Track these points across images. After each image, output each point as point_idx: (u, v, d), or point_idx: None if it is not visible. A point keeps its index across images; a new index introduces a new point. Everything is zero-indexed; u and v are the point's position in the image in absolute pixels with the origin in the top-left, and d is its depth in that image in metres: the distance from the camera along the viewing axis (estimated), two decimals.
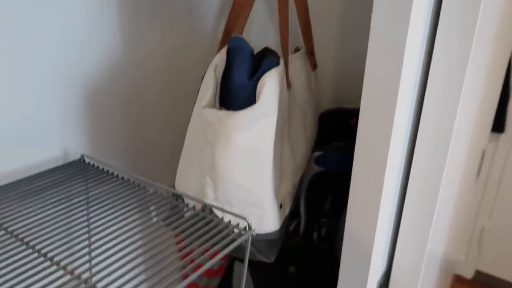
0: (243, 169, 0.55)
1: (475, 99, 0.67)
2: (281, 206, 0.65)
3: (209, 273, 1.01)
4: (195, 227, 0.53)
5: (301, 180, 0.79)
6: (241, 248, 0.64)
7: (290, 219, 0.86)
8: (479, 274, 1.80)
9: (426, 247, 0.59)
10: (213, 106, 0.57)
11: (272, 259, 0.66)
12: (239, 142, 0.53)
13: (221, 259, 1.01)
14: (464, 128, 0.63)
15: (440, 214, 0.63)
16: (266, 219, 0.61)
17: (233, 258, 1.02)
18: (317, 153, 0.75)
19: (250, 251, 0.64)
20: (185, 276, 0.45)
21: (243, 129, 0.53)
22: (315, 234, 0.87)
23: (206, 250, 0.66)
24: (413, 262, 0.61)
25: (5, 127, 0.61)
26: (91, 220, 0.54)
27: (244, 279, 0.58)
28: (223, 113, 0.53)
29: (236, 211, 0.59)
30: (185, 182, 0.63)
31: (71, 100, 0.69)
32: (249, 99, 0.55)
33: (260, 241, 0.62)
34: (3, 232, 0.51)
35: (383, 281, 0.61)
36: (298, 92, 0.68)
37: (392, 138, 0.47)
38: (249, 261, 0.93)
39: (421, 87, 0.54)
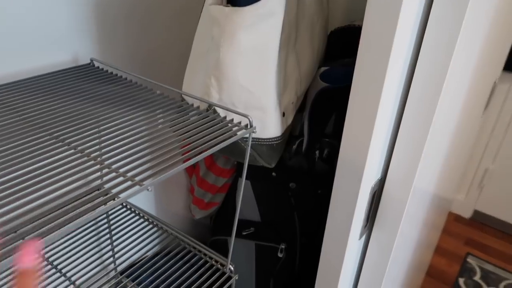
0: (246, 69, 0.56)
1: (486, 28, 0.66)
2: (284, 115, 0.67)
3: (213, 189, 1.06)
4: (198, 125, 0.55)
5: (305, 98, 0.80)
6: (243, 152, 0.66)
7: (293, 139, 0.88)
8: (477, 214, 1.85)
9: (419, 161, 0.61)
10: (221, 3, 0.56)
11: (273, 164, 0.69)
12: (243, 40, 0.54)
13: (225, 176, 1.05)
14: (471, 53, 0.62)
15: (438, 133, 0.65)
16: (268, 124, 0.63)
17: (237, 176, 1.06)
18: (323, 69, 0.75)
19: (252, 155, 0.66)
20: (185, 161, 0.47)
21: (248, 27, 0.53)
22: (317, 153, 0.90)
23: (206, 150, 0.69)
24: (406, 173, 0.63)
25: (16, 30, 0.62)
26: (101, 112, 0.56)
27: (244, 180, 0.61)
28: (229, 9, 0.53)
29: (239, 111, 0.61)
30: (192, 84, 0.64)
31: (81, 4, 0.69)
32: None
33: (262, 145, 0.65)
34: (17, 118, 0.53)
35: (378, 188, 0.64)
36: (308, 1, 0.67)
37: (394, 43, 0.47)
38: (251, 176, 0.97)
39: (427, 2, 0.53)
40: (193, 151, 0.49)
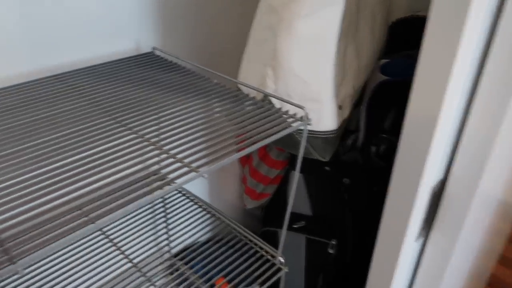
0: (303, 59, 0.55)
1: None
2: (340, 108, 0.65)
3: (265, 180, 1.06)
4: (253, 115, 0.55)
5: (363, 90, 0.78)
6: (297, 144, 0.66)
7: (348, 133, 0.86)
8: None
9: (486, 161, 0.57)
10: None
11: (327, 158, 0.68)
12: (301, 29, 0.53)
13: (278, 168, 1.05)
14: None
15: (509, 131, 0.60)
16: (324, 116, 0.61)
17: (289, 169, 1.06)
18: (384, 61, 0.72)
19: (306, 148, 0.66)
20: (239, 150, 0.48)
21: (306, 15, 0.52)
22: (373, 148, 0.87)
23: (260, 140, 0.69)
24: (471, 174, 0.59)
25: (84, 19, 0.66)
26: (160, 99, 0.58)
27: (298, 173, 0.60)
28: None
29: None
30: (248, 74, 0.64)
31: None
32: None
33: (316, 138, 0.64)
34: (85, 102, 0.57)
35: (438, 189, 0.61)
36: None
37: (463, 34, 0.44)
38: (304, 169, 0.96)
39: None
40: (247, 141, 0.50)
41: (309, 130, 0.63)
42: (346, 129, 0.83)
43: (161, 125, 0.52)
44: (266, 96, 0.59)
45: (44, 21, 0.61)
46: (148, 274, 0.71)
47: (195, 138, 0.50)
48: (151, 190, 0.42)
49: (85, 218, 0.37)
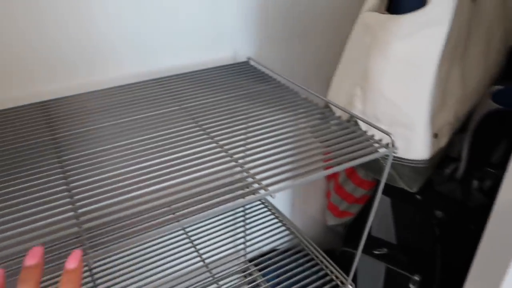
0: (396, 81, 0.51)
1: None
2: (436, 136, 0.59)
3: (350, 198, 1.02)
4: (338, 135, 0.53)
5: (469, 117, 0.69)
6: (381, 169, 0.61)
7: (448, 160, 0.78)
8: None
9: None
10: (377, 10, 0.53)
11: (414, 189, 0.62)
12: (397, 50, 0.49)
13: (364, 188, 1.00)
14: None
15: None
16: (414, 144, 0.56)
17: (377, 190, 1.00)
18: (497, 87, 0.64)
19: (392, 175, 0.61)
20: (325, 168, 0.46)
21: (404, 36, 0.48)
22: (476, 182, 0.77)
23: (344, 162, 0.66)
24: None
25: (186, 28, 0.70)
26: (248, 109, 0.59)
27: (378, 197, 0.57)
28: (385, 16, 0.49)
29: (383, 128, 0.56)
30: (338, 92, 0.62)
31: (244, 7, 0.73)
32: (419, 2, 0.49)
33: (404, 166, 0.59)
34: (176, 106, 0.60)
35: None
36: (487, 5, 0.57)
37: None
38: (392, 193, 0.89)
39: None
40: (330, 161, 0.48)
41: (397, 157, 0.58)
42: (446, 155, 0.75)
43: (242, 137, 0.53)
44: (352, 116, 0.56)
45: (149, 29, 0.67)
46: (217, 276, 0.73)
47: (273, 154, 0.49)
48: (233, 198, 0.42)
49: (172, 216, 0.39)
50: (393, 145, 0.50)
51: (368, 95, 0.54)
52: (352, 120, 0.56)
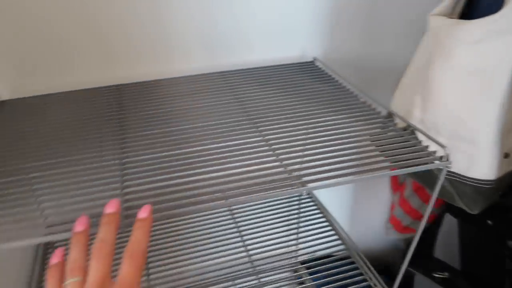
0: (461, 93, 0.47)
1: None
2: (507, 156, 0.53)
3: (415, 214, 0.96)
4: (393, 141, 0.51)
5: None
6: (442, 188, 0.57)
7: None
8: None
9: None
10: (447, 14, 0.49)
11: (475, 211, 0.57)
12: (463, 58, 0.45)
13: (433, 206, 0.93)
14: None
15: None
16: (478, 162, 0.52)
17: (445, 210, 0.92)
18: None
19: (451, 193, 0.56)
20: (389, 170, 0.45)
21: (472, 43, 0.44)
22: None
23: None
24: None
25: (255, 23, 0.72)
26: (301, 107, 0.59)
27: (428, 212, 0.53)
28: (453, 21, 0.46)
29: (442, 141, 0.52)
30: (399, 99, 0.59)
31: (319, 8, 0.73)
32: (495, 6, 0.45)
33: (465, 184, 0.54)
34: (233, 99, 0.63)
35: None
36: None
37: None
38: (461, 215, 0.82)
39: None
40: (379, 164, 0.46)
41: (457, 174, 0.54)
42: None
43: (289, 133, 0.53)
44: (409, 125, 0.53)
45: (221, 24, 0.70)
46: (258, 269, 0.74)
47: (316, 153, 0.49)
48: (275, 187, 0.43)
49: (225, 201, 0.42)
50: (447, 159, 0.46)
51: (428, 105, 0.51)
52: (409, 129, 0.53)
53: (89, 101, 0.64)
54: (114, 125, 0.56)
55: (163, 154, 0.49)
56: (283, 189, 0.43)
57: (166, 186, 0.44)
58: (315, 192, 0.90)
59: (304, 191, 0.91)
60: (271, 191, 0.43)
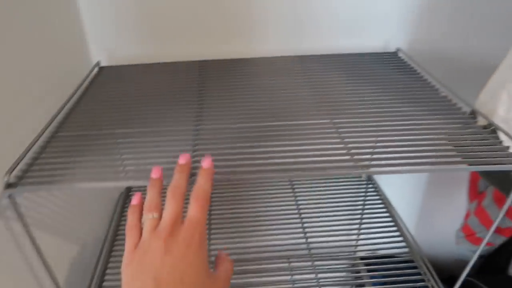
0: None
1: None
2: None
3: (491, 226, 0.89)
4: (471, 138, 0.48)
5: None
6: None
7: None
8: None
9: None
10: None
11: None
12: None
13: None
14: None
15: None
16: None
17: None
18: None
19: None
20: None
21: None
22: None
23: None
24: None
25: (338, 10, 0.71)
26: (374, 96, 0.58)
27: (498, 220, 0.50)
28: None
29: None
30: (483, 98, 0.55)
31: None
32: None
33: None
34: (303, 82, 0.63)
35: None
36: None
37: None
38: None
39: None
40: (451, 159, 0.44)
41: None
42: None
43: (359, 119, 0.53)
44: (490, 125, 0.50)
45: (310, 8, 0.71)
46: (314, 254, 0.74)
47: (384, 141, 0.48)
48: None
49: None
50: None
51: None
52: (490, 127, 0.50)
53: (175, 73, 0.69)
54: (195, 96, 0.61)
55: (235, 126, 0.52)
56: (344, 169, 0.44)
57: (234, 154, 0.46)
58: (383, 187, 0.88)
59: (364, 176, 0.89)
60: (332, 169, 0.43)
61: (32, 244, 0.46)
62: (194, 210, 0.36)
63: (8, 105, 0.46)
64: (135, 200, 0.39)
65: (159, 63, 0.72)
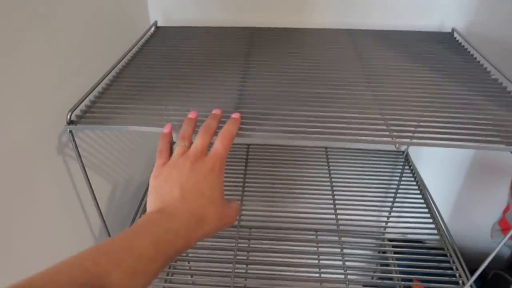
0: None
1: None
2: None
3: None
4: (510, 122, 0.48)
5: None
6: None
7: None
8: None
9: None
10: None
11: None
12: None
13: None
14: None
15: None
16: None
17: None
18: None
19: None
20: None
21: None
22: None
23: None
24: None
25: None
26: (429, 82, 0.57)
27: None
28: None
29: None
30: None
31: None
32: None
33: None
34: (354, 56, 0.64)
35: None
36: None
37: None
38: None
39: None
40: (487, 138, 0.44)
41: None
42: None
43: (401, 94, 0.53)
44: None
45: None
46: (341, 229, 0.74)
47: (423, 116, 0.48)
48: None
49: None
50: None
51: None
52: None
53: (226, 37, 0.71)
54: (242, 59, 0.63)
55: (278, 89, 0.54)
56: (377, 137, 0.45)
57: (272, 114, 0.48)
58: (421, 171, 0.87)
59: (403, 157, 0.88)
60: (364, 137, 0.44)
61: (85, 178, 0.51)
62: (219, 144, 0.41)
63: (73, 54, 0.51)
64: (166, 128, 0.44)
65: (213, 27, 0.75)
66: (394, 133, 0.45)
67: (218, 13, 0.76)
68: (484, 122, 0.48)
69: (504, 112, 0.50)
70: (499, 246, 0.54)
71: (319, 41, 0.70)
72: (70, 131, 0.46)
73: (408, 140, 0.45)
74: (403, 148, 0.92)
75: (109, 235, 0.59)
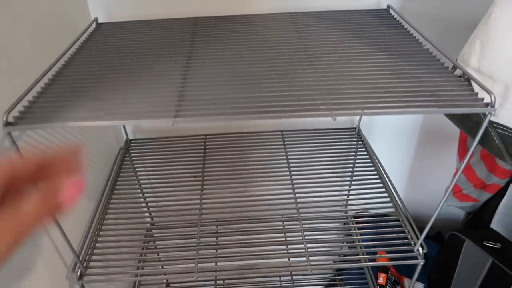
0: None
1: None
2: None
3: (477, 182, 0.92)
4: (442, 87, 0.51)
5: None
6: (485, 138, 0.55)
7: None
8: None
9: None
10: None
11: None
12: None
13: (499, 176, 0.88)
14: None
15: None
16: None
17: (510, 181, 0.88)
18: None
19: (496, 147, 0.55)
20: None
21: None
22: None
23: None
24: None
25: None
26: (358, 50, 0.60)
27: (467, 160, 0.52)
28: None
29: (497, 90, 0.50)
30: (464, 50, 0.57)
31: None
32: None
33: None
34: (296, 38, 0.65)
35: None
36: None
37: None
38: None
39: None
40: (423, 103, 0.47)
41: (508, 128, 0.52)
42: None
43: (340, 69, 0.56)
44: (464, 74, 0.52)
45: None
46: (302, 212, 0.76)
47: (360, 88, 0.51)
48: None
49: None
50: (493, 105, 0.45)
51: (485, 52, 0.49)
52: (464, 77, 0.52)
53: (169, 28, 0.71)
54: (186, 49, 0.64)
55: (220, 75, 0.55)
56: (316, 111, 0.46)
57: (216, 95, 0.49)
58: (374, 146, 0.90)
59: (355, 134, 0.91)
60: (306, 112, 0.46)
61: None
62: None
63: (7, 54, 0.50)
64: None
65: (156, 20, 0.74)
66: (332, 106, 0.47)
67: (160, 6, 0.76)
68: (418, 89, 0.50)
69: (437, 78, 0.53)
70: (438, 208, 0.58)
71: (263, 26, 0.71)
72: (9, 133, 0.45)
73: (345, 111, 0.47)
74: (355, 124, 0.95)
75: None
